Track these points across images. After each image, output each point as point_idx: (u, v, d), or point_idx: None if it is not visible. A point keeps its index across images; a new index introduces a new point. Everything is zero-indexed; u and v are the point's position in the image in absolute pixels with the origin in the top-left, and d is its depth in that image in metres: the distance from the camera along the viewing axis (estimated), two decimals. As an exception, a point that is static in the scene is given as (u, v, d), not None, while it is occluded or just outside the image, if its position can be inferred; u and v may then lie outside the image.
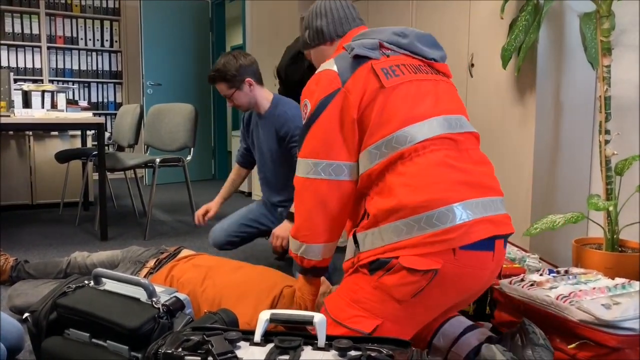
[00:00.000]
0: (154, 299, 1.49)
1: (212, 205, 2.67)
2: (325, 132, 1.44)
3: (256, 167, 2.69)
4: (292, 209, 2.20)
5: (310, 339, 1.19)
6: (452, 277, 1.33)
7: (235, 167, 2.80)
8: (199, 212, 2.66)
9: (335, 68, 1.47)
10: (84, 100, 6.06)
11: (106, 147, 4.37)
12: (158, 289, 1.58)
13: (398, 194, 1.34)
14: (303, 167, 1.47)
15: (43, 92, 3.99)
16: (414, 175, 1.35)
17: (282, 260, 2.92)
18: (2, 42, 5.69)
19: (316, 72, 1.54)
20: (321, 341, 1.16)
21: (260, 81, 2.47)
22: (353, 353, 1.11)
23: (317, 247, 1.50)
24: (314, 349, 1.16)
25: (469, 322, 1.60)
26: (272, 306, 1.76)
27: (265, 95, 2.48)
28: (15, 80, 4.69)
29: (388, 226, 1.35)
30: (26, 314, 1.63)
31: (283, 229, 2.28)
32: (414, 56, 1.54)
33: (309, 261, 1.53)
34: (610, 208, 2.13)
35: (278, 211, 2.60)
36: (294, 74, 2.68)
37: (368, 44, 1.49)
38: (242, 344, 1.18)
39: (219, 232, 2.62)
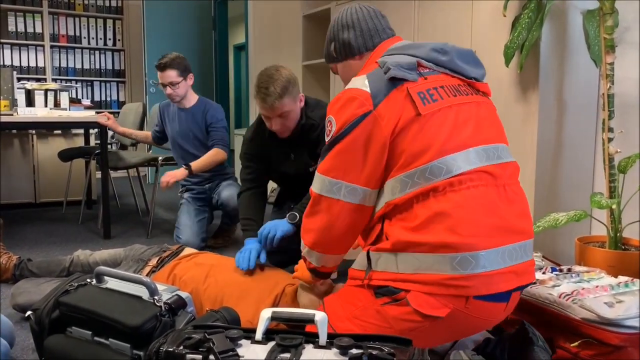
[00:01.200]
0: (155, 297, 1.49)
1: (124, 129, 3.54)
2: (348, 155, 1.37)
3: (173, 150, 3.33)
4: (194, 164, 2.98)
5: (312, 337, 1.18)
6: (458, 322, 1.30)
7: (150, 136, 3.52)
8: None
9: (368, 88, 1.36)
10: (87, 98, 6.07)
11: (109, 146, 4.38)
12: (160, 287, 1.58)
13: (425, 230, 1.29)
14: (320, 183, 1.43)
15: (46, 90, 4.00)
16: (444, 213, 1.28)
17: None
18: (5, 41, 5.71)
19: (346, 87, 1.44)
20: (322, 339, 1.16)
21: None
22: (354, 351, 1.11)
23: (316, 255, 1.52)
24: (315, 347, 1.15)
25: None
26: (274, 304, 1.76)
27: (193, 93, 3.23)
28: (18, 79, 4.69)
29: (406, 255, 1.31)
30: (29, 312, 1.63)
31: (177, 171, 2.93)
32: (454, 75, 1.44)
33: (309, 263, 1.57)
34: (614, 206, 2.13)
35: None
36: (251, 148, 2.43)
37: (405, 64, 1.37)
38: (243, 342, 1.18)
39: (192, 240, 2.99)
